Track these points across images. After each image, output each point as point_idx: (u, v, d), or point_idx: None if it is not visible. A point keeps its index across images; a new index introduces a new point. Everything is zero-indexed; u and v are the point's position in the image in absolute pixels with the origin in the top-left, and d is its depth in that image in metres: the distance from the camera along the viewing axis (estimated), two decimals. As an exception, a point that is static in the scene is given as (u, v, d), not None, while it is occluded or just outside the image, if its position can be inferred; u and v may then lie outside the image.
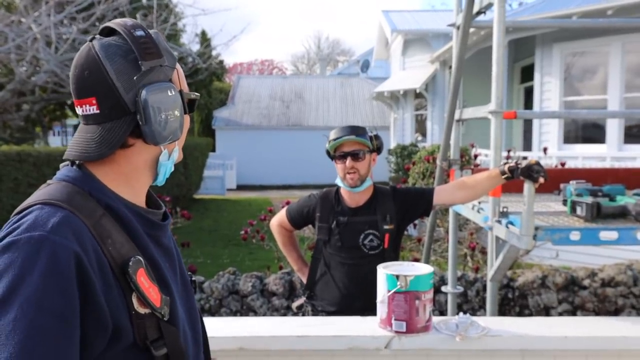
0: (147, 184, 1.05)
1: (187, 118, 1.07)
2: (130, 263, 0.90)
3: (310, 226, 2.59)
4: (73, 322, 0.82)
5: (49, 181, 0.99)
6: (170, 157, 1.06)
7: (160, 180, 1.07)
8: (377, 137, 2.39)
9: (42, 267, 0.81)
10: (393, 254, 2.36)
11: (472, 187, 2.26)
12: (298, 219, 2.51)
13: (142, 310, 0.91)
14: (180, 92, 1.02)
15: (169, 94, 0.98)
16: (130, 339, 0.90)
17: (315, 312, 2.41)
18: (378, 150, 2.39)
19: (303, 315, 2.48)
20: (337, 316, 2.18)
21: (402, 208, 2.38)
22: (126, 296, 0.90)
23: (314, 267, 2.45)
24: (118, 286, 0.89)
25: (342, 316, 2.09)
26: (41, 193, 0.94)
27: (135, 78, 0.95)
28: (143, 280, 0.92)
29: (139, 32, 0.96)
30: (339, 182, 2.38)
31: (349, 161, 2.28)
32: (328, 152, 2.38)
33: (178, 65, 1.05)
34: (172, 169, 1.09)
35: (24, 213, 0.89)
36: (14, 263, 0.81)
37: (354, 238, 2.34)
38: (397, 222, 2.37)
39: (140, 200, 1.04)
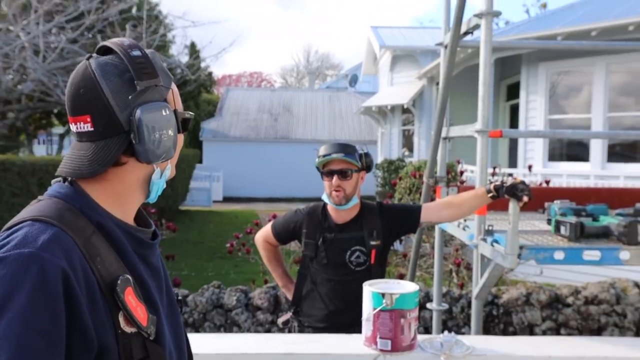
0: (138, 202, 1.06)
1: (180, 137, 1.08)
2: (119, 282, 0.90)
3: (296, 240, 2.58)
4: (60, 340, 0.82)
5: (39, 197, 0.99)
6: (163, 175, 1.07)
7: (153, 198, 1.08)
8: (367, 155, 2.39)
9: (31, 284, 0.81)
10: (379, 269, 2.36)
11: (459, 205, 2.28)
12: (284, 235, 2.51)
13: (128, 329, 0.91)
14: (175, 111, 1.03)
15: (164, 113, 0.99)
16: (116, 358, 0.90)
17: (302, 328, 2.40)
18: (368, 168, 2.39)
19: (289, 331, 2.46)
20: (323, 333, 2.17)
21: (388, 224, 2.38)
22: (113, 315, 0.90)
23: (300, 282, 2.44)
24: (105, 304, 0.89)
25: (329, 333, 2.08)
26: (32, 209, 0.94)
27: (130, 97, 0.95)
28: (131, 299, 0.92)
29: (136, 52, 0.97)
30: (325, 198, 2.38)
31: (335, 179, 2.29)
32: (318, 167, 2.39)
33: (173, 85, 1.06)
34: (165, 186, 1.10)
35: (14, 229, 0.89)
36: (3, 280, 0.81)
37: (341, 255, 2.34)
38: (384, 238, 2.37)
39: (130, 218, 1.04)
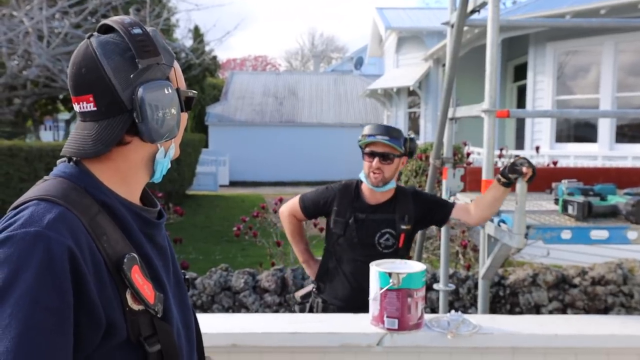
0: (143, 182, 1.06)
1: (184, 115, 1.08)
2: (125, 260, 0.91)
3: (323, 216, 2.57)
4: (67, 318, 0.83)
5: (45, 177, 0.99)
6: (167, 154, 1.06)
7: (157, 177, 1.07)
8: (412, 140, 2.37)
9: (37, 262, 0.82)
10: (406, 254, 2.38)
11: (480, 201, 2.29)
12: (312, 209, 2.48)
13: (135, 306, 0.92)
14: (178, 90, 1.03)
15: (166, 92, 0.98)
16: (124, 336, 0.91)
17: (326, 306, 2.40)
18: (410, 154, 2.37)
19: (311, 307, 2.46)
20: (343, 311, 2.17)
21: (420, 211, 2.39)
22: (120, 293, 0.90)
23: (325, 260, 2.45)
24: (112, 283, 0.90)
25: (349, 312, 2.08)
26: (38, 189, 0.94)
27: (132, 76, 0.95)
28: (137, 277, 0.92)
29: (137, 30, 0.97)
30: (362, 177, 2.38)
31: (375, 162, 2.28)
32: (360, 146, 2.38)
33: (176, 63, 1.06)
34: (169, 166, 1.10)
35: (20, 208, 0.89)
36: (10, 258, 0.82)
37: (371, 236, 2.34)
38: (414, 224, 2.38)
39: (135, 197, 1.04)
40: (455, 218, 2.38)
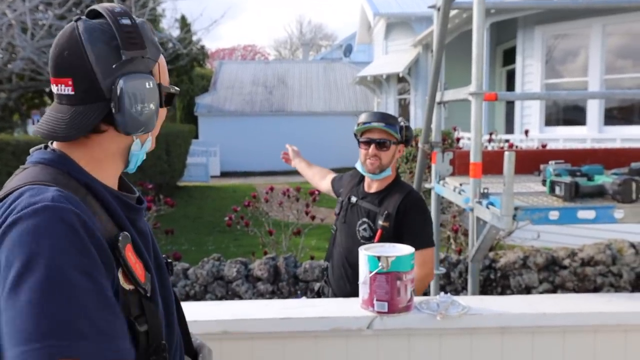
0: (118, 170, 1.06)
1: (162, 110, 1.08)
2: (120, 238, 0.91)
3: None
4: (99, 276, 0.84)
5: (23, 166, 0.98)
6: (143, 146, 1.06)
7: (132, 168, 1.07)
8: (407, 128, 2.33)
9: (55, 231, 0.81)
10: None
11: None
12: (337, 181, 2.65)
13: (127, 286, 0.92)
14: (159, 85, 1.03)
15: (147, 86, 0.98)
16: None
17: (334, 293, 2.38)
18: (406, 142, 2.34)
19: (319, 296, 2.48)
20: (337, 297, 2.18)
21: (400, 213, 2.22)
22: (113, 271, 0.90)
23: (330, 242, 2.49)
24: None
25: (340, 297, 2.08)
26: (23, 176, 0.93)
27: (114, 66, 0.95)
28: (130, 255, 0.93)
29: (125, 20, 0.96)
30: (358, 166, 2.37)
31: (372, 148, 2.26)
32: (355, 135, 2.37)
33: (161, 58, 1.06)
34: (144, 158, 1.10)
35: (14, 195, 0.87)
36: (25, 238, 0.80)
37: (354, 221, 2.34)
38: (394, 223, 2.21)
39: (112, 184, 1.04)
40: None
